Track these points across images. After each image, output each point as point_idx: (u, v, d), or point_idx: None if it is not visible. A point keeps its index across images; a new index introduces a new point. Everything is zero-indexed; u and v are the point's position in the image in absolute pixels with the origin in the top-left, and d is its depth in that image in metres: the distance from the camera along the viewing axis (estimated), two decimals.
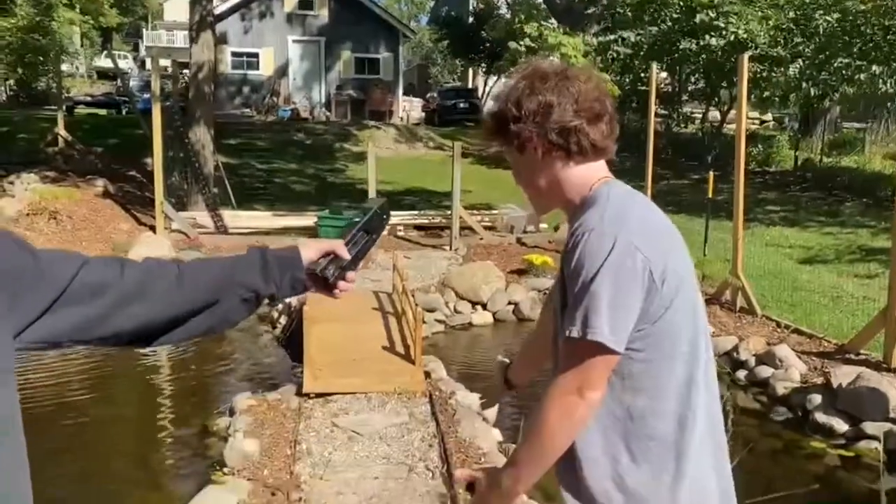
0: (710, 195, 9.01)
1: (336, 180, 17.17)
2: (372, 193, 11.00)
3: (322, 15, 26.65)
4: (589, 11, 17.78)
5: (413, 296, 6.65)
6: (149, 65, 25.22)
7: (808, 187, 16.20)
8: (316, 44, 26.79)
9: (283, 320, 8.00)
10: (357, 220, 1.48)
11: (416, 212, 12.47)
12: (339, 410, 5.13)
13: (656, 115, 10.18)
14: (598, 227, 1.40)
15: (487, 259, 9.68)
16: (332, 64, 26.94)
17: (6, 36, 20.52)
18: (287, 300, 8.09)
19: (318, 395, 5.30)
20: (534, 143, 1.50)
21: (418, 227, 11.58)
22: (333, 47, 26.71)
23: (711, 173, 9.03)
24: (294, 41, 26.67)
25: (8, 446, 0.91)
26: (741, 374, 6.64)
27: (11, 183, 11.40)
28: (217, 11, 23.41)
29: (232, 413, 5.22)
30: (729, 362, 6.80)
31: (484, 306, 8.67)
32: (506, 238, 11.26)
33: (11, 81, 25.14)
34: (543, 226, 11.37)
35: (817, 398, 5.76)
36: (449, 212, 10.89)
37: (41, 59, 21.33)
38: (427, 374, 5.77)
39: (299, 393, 5.35)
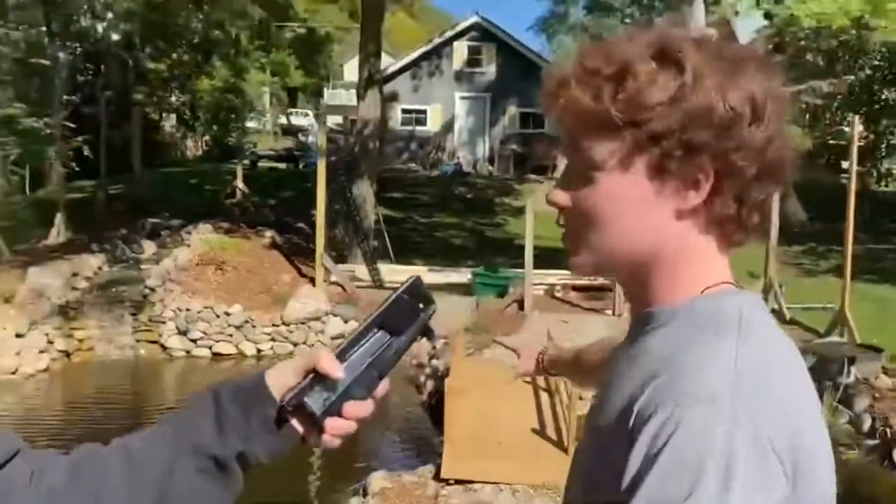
0: None
1: (495, 235, 16.89)
2: (529, 249, 10.42)
3: (490, 71, 26.98)
4: (775, 60, 16.48)
5: None
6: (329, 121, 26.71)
7: None
8: (482, 100, 27.10)
9: (429, 385, 7.62)
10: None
11: None
12: (480, 503, 4.58)
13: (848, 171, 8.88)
14: (720, 398, 0.74)
15: None
16: (497, 118, 27.08)
17: (205, 96, 22.78)
18: (432, 363, 7.72)
19: (458, 482, 4.78)
20: (702, 167, 0.80)
21: (577, 288, 10.86)
22: (499, 102, 26.87)
23: None
24: (461, 97, 27.14)
25: None
26: None
27: (189, 233, 12.11)
28: (389, 71, 24.56)
29: (365, 493, 4.82)
30: None
31: None
32: None
33: (207, 137, 27.58)
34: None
35: None
36: None
37: (233, 116, 23.36)
38: None
39: (437, 476, 4.86)
